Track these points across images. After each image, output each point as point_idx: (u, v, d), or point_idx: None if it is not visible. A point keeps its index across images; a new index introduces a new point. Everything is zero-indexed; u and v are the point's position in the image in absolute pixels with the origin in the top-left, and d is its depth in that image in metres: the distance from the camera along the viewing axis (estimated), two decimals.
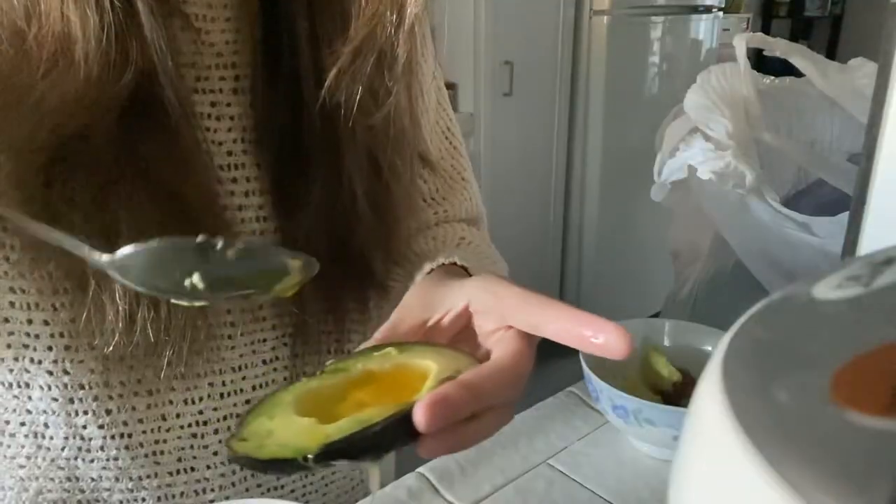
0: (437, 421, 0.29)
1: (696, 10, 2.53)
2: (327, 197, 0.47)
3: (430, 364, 0.33)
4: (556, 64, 2.28)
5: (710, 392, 0.19)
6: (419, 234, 0.57)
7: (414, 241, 0.56)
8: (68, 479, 0.49)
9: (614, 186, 2.40)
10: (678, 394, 0.58)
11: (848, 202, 0.56)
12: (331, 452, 0.27)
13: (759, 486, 0.15)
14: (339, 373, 0.33)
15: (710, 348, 0.63)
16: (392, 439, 0.29)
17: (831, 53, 3.78)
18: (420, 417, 0.29)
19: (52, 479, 0.49)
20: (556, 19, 2.24)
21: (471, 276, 0.44)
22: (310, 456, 0.27)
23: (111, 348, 0.42)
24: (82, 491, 0.49)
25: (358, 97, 0.45)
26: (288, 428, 0.28)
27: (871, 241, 0.52)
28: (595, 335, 0.33)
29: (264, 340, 0.50)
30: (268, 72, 0.46)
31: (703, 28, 2.58)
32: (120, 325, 0.41)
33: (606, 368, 0.56)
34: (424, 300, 0.40)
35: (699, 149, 1.40)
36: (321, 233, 0.47)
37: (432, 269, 0.46)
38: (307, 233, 0.47)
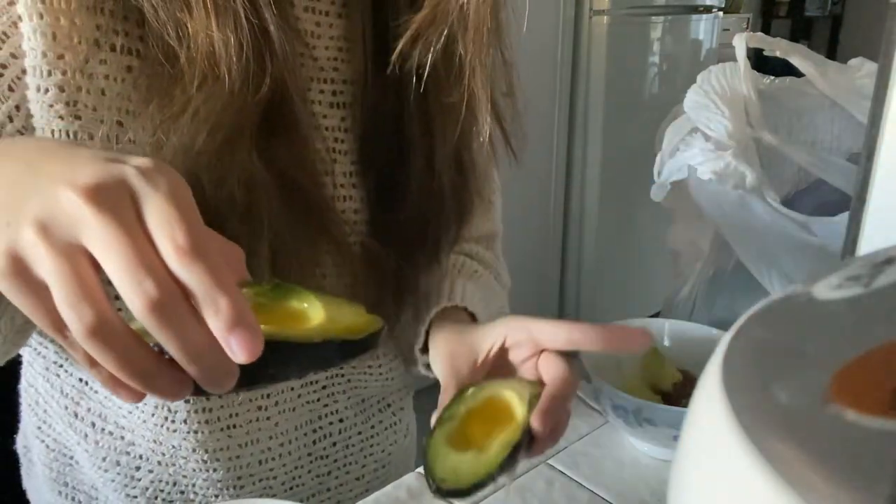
0: (548, 426, 0.40)
1: (696, 10, 2.53)
2: (422, 191, 0.52)
3: (510, 393, 0.44)
4: (556, 64, 2.28)
5: (710, 392, 0.19)
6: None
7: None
8: (154, 440, 0.54)
9: (614, 186, 2.39)
10: (678, 394, 0.58)
11: (848, 202, 0.56)
12: (501, 468, 0.40)
13: (758, 486, 0.15)
14: (452, 420, 0.44)
15: (710, 348, 0.63)
16: (521, 451, 0.41)
17: (831, 53, 3.78)
18: (538, 425, 0.40)
19: (142, 436, 0.54)
20: (556, 19, 2.24)
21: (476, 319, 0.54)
22: (493, 472, 0.40)
23: None
24: (163, 454, 0.54)
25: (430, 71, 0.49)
26: (465, 463, 0.41)
27: (871, 241, 0.52)
28: (624, 339, 0.43)
29: None
30: (371, 83, 0.51)
31: (703, 28, 2.58)
32: None
33: (606, 368, 0.56)
34: (466, 345, 0.49)
35: (699, 149, 1.40)
36: (412, 223, 0.53)
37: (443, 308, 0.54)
38: (400, 225, 0.53)
